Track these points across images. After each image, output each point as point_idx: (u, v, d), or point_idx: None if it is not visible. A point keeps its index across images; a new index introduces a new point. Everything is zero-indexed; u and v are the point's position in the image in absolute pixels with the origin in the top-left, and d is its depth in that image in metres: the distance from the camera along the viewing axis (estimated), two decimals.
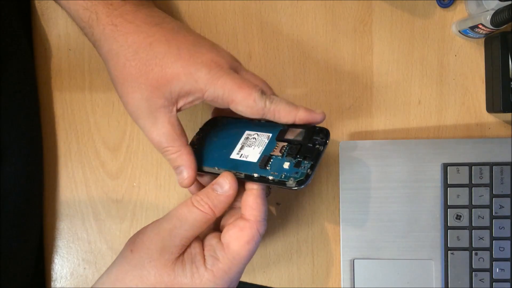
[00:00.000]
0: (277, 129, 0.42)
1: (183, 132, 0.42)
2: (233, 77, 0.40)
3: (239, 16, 0.51)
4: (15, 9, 0.49)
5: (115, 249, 0.51)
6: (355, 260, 0.49)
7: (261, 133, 0.43)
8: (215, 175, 0.42)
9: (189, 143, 0.44)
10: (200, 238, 0.41)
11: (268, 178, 0.40)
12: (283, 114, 0.41)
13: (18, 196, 0.47)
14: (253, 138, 0.43)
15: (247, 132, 0.43)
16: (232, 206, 0.42)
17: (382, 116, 0.51)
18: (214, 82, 0.40)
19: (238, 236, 0.39)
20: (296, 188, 0.39)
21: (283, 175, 0.39)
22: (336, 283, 0.51)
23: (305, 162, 0.39)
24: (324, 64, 0.51)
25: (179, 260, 0.38)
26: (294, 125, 0.42)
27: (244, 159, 0.42)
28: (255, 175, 0.40)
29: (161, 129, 0.41)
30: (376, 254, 0.49)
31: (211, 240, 0.40)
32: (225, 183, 0.40)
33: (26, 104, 0.49)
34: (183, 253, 0.39)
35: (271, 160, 0.41)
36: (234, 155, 0.42)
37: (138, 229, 0.51)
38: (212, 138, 0.45)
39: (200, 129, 0.46)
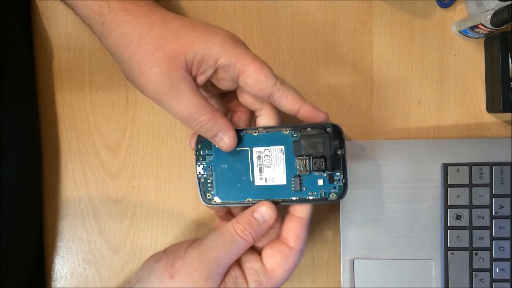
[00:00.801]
0: (286, 139, 0.41)
1: (207, 100, 0.41)
2: (247, 50, 0.40)
3: (239, 16, 0.51)
4: (14, 9, 0.49)
5: (115, 249, 0.51)
6: (355, 260, 0.49)
7: (271, 147, 0.41)
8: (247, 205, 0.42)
9: (197, 176, 0.43)
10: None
11: (307, 199, 0.40)
12: (290, 100, 0.40)
13: (17, 196, 0.47)
14: (266, 156, 0.42)
15: (255, 149, 0.42)
16: None
17: (382, 116, 0.51)
18: (228, 50, 0.39)
19: (283, 264, 0.40)
20: (339, 200, 0.40)
21: (322, 193, 0.40)
22: (336, 283, 0.51)
23: (337, 173, 0.40)
24: (324, 64, 0.51)
25: (221, 285, 0.39)
26: (300, 127, 0.41)
27: (271, 183, 0.41)
28: (294, 198, 0.40)
29: (188, 100, 0.39)
30: (376, 254, 0.49)
31: (253, 263, 0.40)
32: (267, 214, 0.40)
33: (25, 104, 0.49)
34: (225, 276, 0.39)
35: (302, 179, 0.40)
36: (258, 181, 0.41)
37: (138, 229, 0.51)
38: (219, 165, 0.42)
39: (197, 155, 0.43)
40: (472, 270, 0.48)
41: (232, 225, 0.40)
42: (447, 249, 0.48)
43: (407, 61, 0.51)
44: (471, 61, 0.51)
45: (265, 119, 0.42)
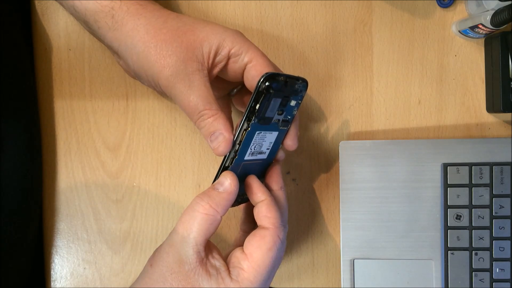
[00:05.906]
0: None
1: (215, 99, 0.42)
2: (256, 46, 0.42)
3: (239, 16, 0.51)
4: (14, 9, 0.49)
5: (115, 249, 0.51)
6: (355, 260, 0.49)
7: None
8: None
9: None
10: (222, 251, 0.41)
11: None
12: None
13: (16, 193, 0.47)
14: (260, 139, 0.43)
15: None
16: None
17: (382, 116, 0.51)
18: (240, 41, 0.42)
19: (260, 244, 0.39)
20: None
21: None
22: (336, 283, 0.51)
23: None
24: (324, 64, 0.51)
25: (203, 271, 0.38)
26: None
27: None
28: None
29: (198, 91, 0.40)
30: (376, 254, 0.49)
31: (235, 252, 0.40)
32: (225, 180, 0.40)
33: (25, 104, 0.49)
34: (205, 263, 0.39)
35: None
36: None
37: (138, 229, 0.51)
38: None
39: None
40: (472, 270, 0.48)
41: (192, 201, 0.40)
42: (447, 249, 0.48)
43: (407, 61, 0.51)
44: (471, 61, 0.51)
45: None
